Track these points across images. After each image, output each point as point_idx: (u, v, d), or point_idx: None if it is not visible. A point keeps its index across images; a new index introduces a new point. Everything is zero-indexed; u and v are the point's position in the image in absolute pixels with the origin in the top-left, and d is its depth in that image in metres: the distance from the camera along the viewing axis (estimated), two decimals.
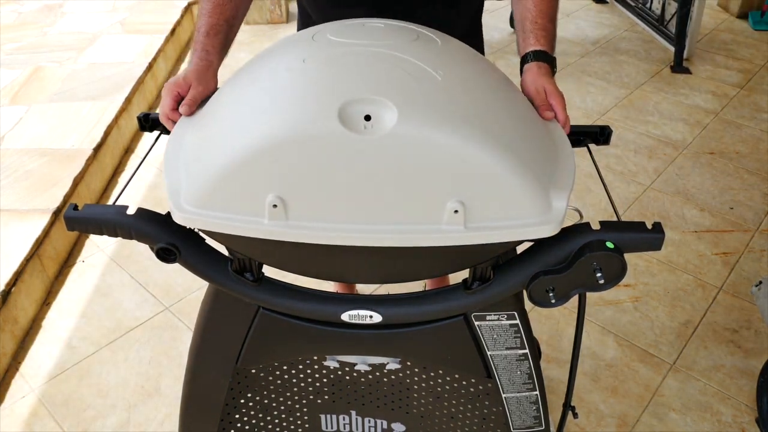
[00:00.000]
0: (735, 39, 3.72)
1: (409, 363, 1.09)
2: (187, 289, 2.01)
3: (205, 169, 0.84)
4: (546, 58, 1.04)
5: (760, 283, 1.68)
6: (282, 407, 1.17)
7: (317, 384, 1.14)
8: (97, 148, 2.44)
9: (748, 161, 2.63)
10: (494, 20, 3.84)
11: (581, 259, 0.88)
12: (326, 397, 1.17)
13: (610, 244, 0.88)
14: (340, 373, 1.12)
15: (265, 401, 1.16)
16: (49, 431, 1.60)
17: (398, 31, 0.98)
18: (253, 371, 1.11)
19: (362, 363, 1.11)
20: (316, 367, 1.11)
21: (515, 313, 1.00)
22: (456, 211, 0.80)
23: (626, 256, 0.88)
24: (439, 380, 1.12)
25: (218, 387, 1.12)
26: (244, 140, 0.81)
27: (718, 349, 1.80)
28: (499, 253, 0.90)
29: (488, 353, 1.04)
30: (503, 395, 1.10)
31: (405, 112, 0.78)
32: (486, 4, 1.43)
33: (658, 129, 2.85)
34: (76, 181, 2.25)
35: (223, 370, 1.09)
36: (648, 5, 3.80)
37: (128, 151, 2.73)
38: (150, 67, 3.11)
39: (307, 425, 1.21)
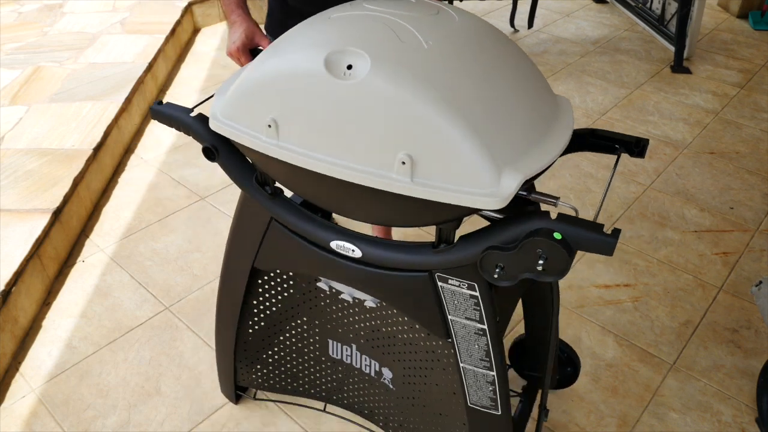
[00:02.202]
0: (735, 39, 3.72)
1: (384, 305, 1.23)
2: (186, 289, 2.01)
3: (233, 89, 1.04)
4: None
5: (760, 283, 1.68)
6: (292, 322, 1.40)
7: (315, 306, 1.34)
8: (97, 148, 2.44)
9: (748, 161, 2.63)
10: (494, 20, 3.83)
11: (526, 241, 0.93)
12: (327, 325, 1.36)
13: (557, 235, 0.92)
14: (328, 300, 1.30)
15: (278, 309, 1.40)
16: (49, 431, 1.60)
17: (424, 6, 1.06)
18: (266, 277, 1.34)
19: (348, 293, 1.27)
20: (312, 289, 1.31)
21: (475, 285, 1.05)
22: (404, 163, 0.89)
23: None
24: (414, 334, 1.21)
25: (239, 284, 1.35)
26: (259, 70, 0.99)
27: (718, 349, 1.80)
28: (454, 216, 0.98)
29: (449, 317, 1.12)
30: (460, 364, 1.16)
31: (376, 66, 0.89)
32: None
33: (658, 129, 2.85)
34: (76, 181, 2.25)
35: (244, 267, 1.31)
36: (648, 5, 3.80)
37: (128, 151, 2.73)
38: (150, 67, 3.11)
39: (317, 344, 1.42)
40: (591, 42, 3.69)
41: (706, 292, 1.99)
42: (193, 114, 1.16)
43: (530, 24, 3.72)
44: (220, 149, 1.14)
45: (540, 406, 1.34)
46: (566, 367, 1.61)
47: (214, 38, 3.82)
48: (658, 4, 3.67)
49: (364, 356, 1.38)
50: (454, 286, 1.07)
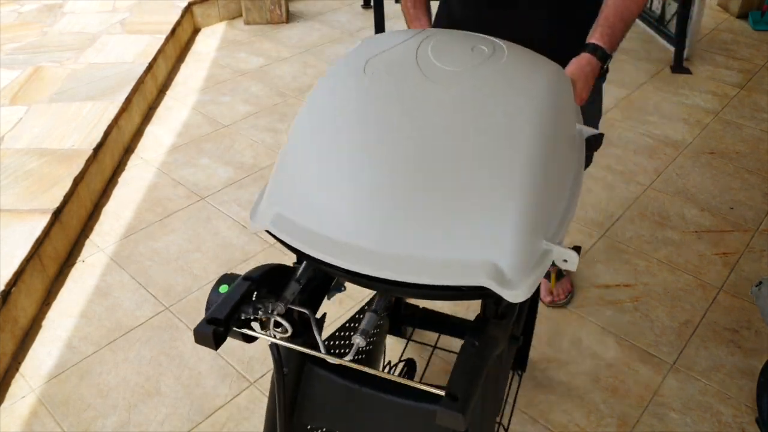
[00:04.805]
0: (735, 39, 3.72)
1: None
2: (186, 289, 2.01)
3: None
4: (599, 54, 1.15)
5: (760, 283, 1.68)
6: None
7: None
8: (97, 148, 2.44)
9: (748, 161, 2.63)
10: None
11: None
12: None
13: None
14: None
15: None
16: (49, 431, 1.60)
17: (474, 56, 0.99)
18: None
19: None
20: None
21: None
22: None
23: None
24: None
25: None
26: None
27: (718, 349, 1.80)
28: None
29: None
30: None
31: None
32: None
33: (658, 129, 2.85)
34: (76, 181, 2.25)
35: None
36: (648, 5, 3.80)
37: (128, 151, 2.73)
38: (150, 67, 3.11)
39: None
40: None
41: (706, 292, 1.99)
42: None
43: None
44: None
45: None
46: None
47: (214, 38, 3.82)
48: (658, 4, 3.67)
49: None
50: None
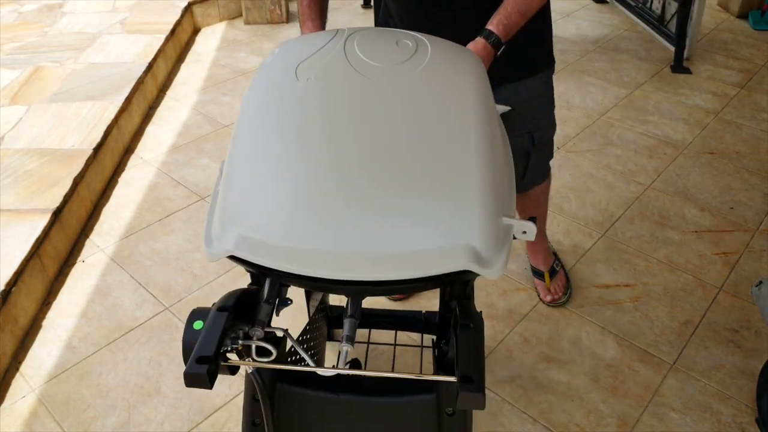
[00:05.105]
0: (735, 39, 3.72)
1: None
2: (187, 289, 2.01)
3: None
4: (493, 40, 1.19)
5: (760, 283, 1.68)
6: None
7: None
8: (97, 148, 2.44)
9: (749, 161, 2.63)
10: None
11: None
12: None
13: None
14: None
15: None
16: (49, 431, 1.60)
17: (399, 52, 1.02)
18: None
19: None
20: None
21: None
22: None
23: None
24: None
25: None
26: None
27: (718, 349, 1.80)
28: None
29: None
30: None
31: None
32: None
33: (658, 129, 2.85)
34: (76, 181, 2.25)
35: None
36: (648, 5, 3.80)
37: (128, 151, 2.73)
38: (150, 67, 3.11)
39: None
40: (591, 42, 3.69)
41: (706, 292, 1.99)
42: None
43: None
44: None
45: None
46: None
47: (214, 38, 3.82)
48: (658, 4, 3.67)
49: None
50: None
